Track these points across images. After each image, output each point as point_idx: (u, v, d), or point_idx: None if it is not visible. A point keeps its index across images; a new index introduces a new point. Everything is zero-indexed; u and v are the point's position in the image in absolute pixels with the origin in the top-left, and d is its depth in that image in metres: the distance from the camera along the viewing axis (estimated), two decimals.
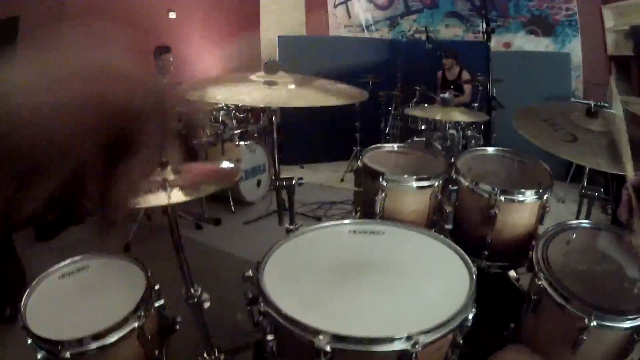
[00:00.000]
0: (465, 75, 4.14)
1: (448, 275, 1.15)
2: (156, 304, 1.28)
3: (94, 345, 1.08)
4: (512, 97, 3.51)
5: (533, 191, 1.66)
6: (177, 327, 1.36)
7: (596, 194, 1.64)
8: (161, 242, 2.49)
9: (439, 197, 1.81)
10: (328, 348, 0.87)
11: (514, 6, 4.84)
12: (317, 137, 4.98)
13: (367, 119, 4.40)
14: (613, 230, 1.40)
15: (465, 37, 5.19)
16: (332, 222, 1.41)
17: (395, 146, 2.17)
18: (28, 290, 1.22)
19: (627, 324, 1.09)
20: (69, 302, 1.23)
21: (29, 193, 0.23)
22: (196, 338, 1.59)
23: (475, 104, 3.90)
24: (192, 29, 5.04)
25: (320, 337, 0.88)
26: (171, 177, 1.29)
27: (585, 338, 1.10)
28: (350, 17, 5.66)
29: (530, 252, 1.33)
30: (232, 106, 3.66)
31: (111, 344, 1.10)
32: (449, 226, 1.81)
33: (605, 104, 1.56)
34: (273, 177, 1.81)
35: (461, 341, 1.00)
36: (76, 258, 1.38)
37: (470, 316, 0.99)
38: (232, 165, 1.56)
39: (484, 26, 2.77)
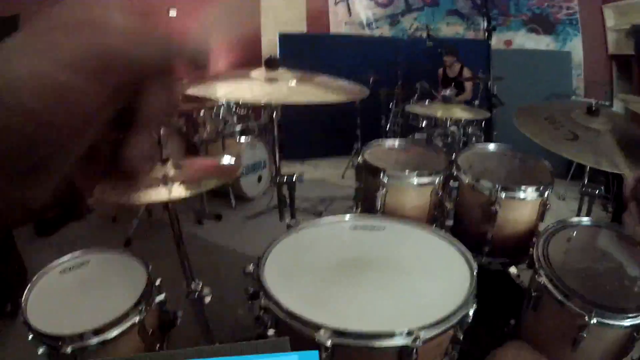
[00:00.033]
0: (466, 72, 4.13)
1: (448, 272, 1.15)
2: (157, 299, 1.28)
3: (95, 340, 1.08)
4: (513, 96, 3.52)
5: (534, 188, 1.66)
6: (178, 322, 1.37)
7: (597, 192, 1.64)
8: (162, 237, 2.50)
9: (440, 193, 1.80)
10: (329, 343, 0.87)
11: (514, 4, 4.83)
12: (318, 134, 4.97)
13: (367, 117, 4.38)
14: (613, 228, 1.41)
15: (466, 35, 5.17)
16: (333, 218, 1.41)
17: (396, 143, 2.16)
18: (29, 285, 1.22)
19: (627, 322, 1.10)
20: (69, 297, 1.23)
21: (31, 189, 0.23)
22: (197, 333, 1.59)
23: (476, 102, 3.89)
24: (192, 27, 5.01)
25: (321, 332, 0.88)
26: (172, 172, 1.29)
27: (585, 335, 1.10)
28: (350, 14, 5.64)
29: (531, 249, 1.33)
30: (233, 103, 3.65)
31: (112, 338, 1.10)
32: (449, 222, 1.81)
33: (606, 103, 1.56)
34: (274, 174, 1.81)
35: (461, 337, 1.00)
36: (76, 253, 1.38)
37: (471, 312, 1.00)
38: (232, 160, 1.56)
39: (485, 24, 2.78)
